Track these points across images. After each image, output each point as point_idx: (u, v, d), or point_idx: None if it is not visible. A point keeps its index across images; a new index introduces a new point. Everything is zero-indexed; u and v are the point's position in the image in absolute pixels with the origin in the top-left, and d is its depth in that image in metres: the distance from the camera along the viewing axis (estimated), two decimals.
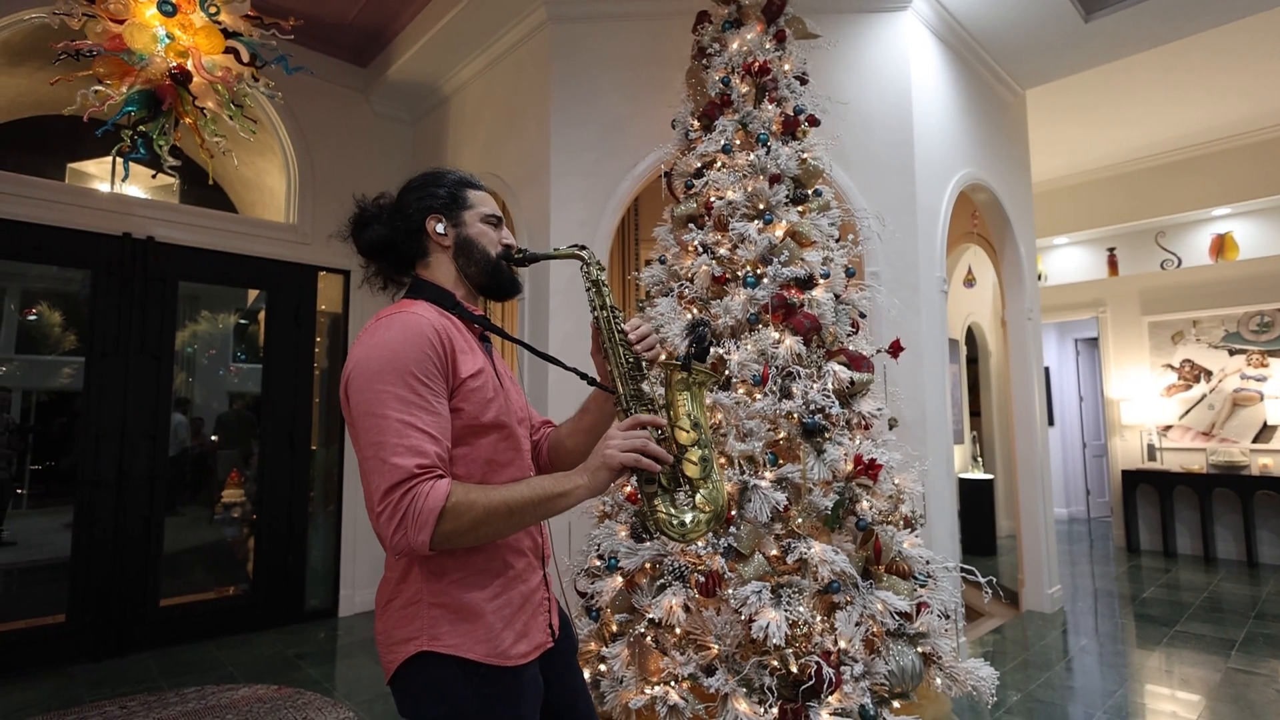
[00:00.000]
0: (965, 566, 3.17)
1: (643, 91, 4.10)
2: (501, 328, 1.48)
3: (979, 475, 7.20)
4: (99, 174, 5.19)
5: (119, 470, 4.31)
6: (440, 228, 1.44)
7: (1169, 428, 7.25)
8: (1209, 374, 7.06)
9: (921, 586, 2.87)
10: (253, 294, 5.58)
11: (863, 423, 3.07)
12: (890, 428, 3.31)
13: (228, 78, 3.21)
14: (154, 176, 5.03)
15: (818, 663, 2.49)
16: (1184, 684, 3.72)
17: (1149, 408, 7.33)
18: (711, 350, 1.57)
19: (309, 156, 5.18)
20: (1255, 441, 6.73)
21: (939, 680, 2.80)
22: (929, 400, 3.94)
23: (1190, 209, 7.10)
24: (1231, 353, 6.94)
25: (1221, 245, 7.08)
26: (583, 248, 1.47)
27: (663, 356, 1.57)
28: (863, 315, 3.34)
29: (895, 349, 3.33)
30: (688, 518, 1.31)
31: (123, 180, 3.53)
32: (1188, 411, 7.15)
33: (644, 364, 1.44)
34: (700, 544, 2.75)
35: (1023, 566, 5.12)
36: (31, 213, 4.16)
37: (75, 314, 4.65)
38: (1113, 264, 7.77)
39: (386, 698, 3.57)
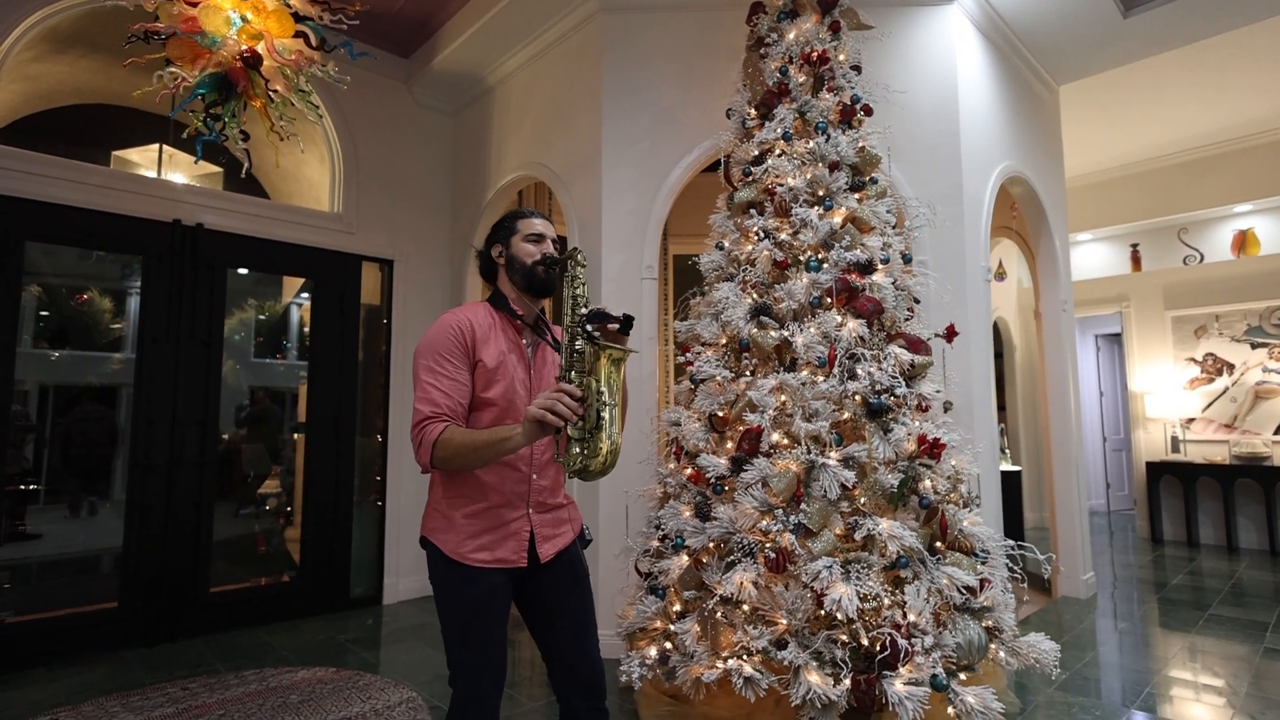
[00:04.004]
0: (1024, 545, 3.22)
1: (694, 82, 4.15)
2: (536, 324, 2.02)
3: (1006, 467, 7.24)
4: (143, 162, 5.22)
5: (170, 456, 4.34)
6: (496, 251, 2.02)
7: (1192, 420, 7.32)
8: (1231, 367, 7.13)
9: (983, 564, 2.93)
10: (292, 287, 5.62)
11: (922, 404, 3.13)
12: (945, 410, 3.37)
13: (300, 61, 3.26)
14: (196, 163, 5.07)
15: (891, 635, 2.54)
16: (1225, 662, 3.79)
17: (1172, 401, 7.40)
18: (626, 319, 1.87)
19: (353, 146, 5.20)
20: (1277, 433, 6.81)
21: (1001, 654, 2.86)
22: (975, 386, 4.00)
23: (1213, 206, 7.17)
24: (1253, 346, 7.01)
25: (1243, 241, 7.15)
26: (576, 249, 1.83)
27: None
28: (917, 301, 3.39)
29: (950, 333, 3.39)
30: (580, 459, 1.70)
31: (195, 162, 3.59)
32: (1210, 404, 7.22)
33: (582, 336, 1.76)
34: (768, 521, 2.80)
35: (1058, 553, 5.18)
36: (85, 198, 4.18)
37: (124, 303, 4.69)
38: (1136, 260, 7.84)
39: (443, 679, 3.61)
